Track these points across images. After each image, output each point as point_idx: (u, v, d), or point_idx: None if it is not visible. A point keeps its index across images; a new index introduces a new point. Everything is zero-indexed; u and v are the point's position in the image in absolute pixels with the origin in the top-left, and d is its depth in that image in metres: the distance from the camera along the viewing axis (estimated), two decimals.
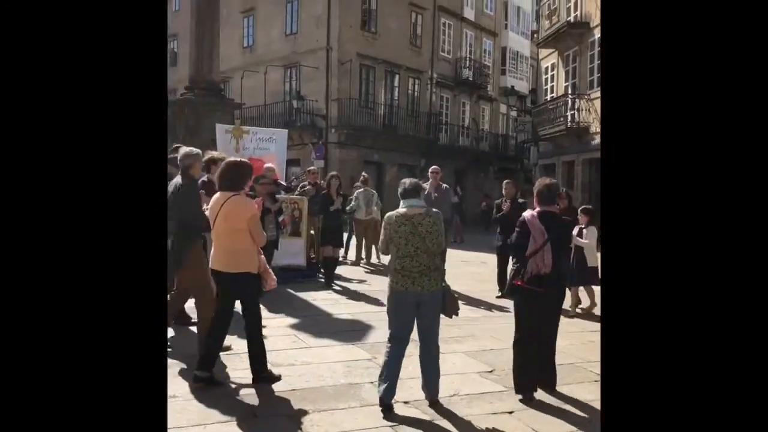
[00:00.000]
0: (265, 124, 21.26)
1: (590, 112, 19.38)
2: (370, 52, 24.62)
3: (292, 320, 6.37)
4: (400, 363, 4.02)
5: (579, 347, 5.79)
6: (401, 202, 4.08)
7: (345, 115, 23.62)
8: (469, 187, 27.89)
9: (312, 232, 9.92)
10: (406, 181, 4.18)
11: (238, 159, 4.55)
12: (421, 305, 4.01)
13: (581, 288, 7.61)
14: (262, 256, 4.45)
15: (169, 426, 3.51)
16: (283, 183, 9.74)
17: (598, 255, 7.31)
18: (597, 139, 17.77)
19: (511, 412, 4.04)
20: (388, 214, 4.11)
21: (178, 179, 4.91)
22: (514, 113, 33.98)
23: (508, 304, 8.07)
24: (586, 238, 7.40)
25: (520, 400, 4.21)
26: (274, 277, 4.52)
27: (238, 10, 26.90)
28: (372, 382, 4.47)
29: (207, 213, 4.56)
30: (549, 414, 4.05)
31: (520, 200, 8.66)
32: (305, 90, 24.35)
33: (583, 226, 7.46)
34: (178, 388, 4.18)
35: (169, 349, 4.97)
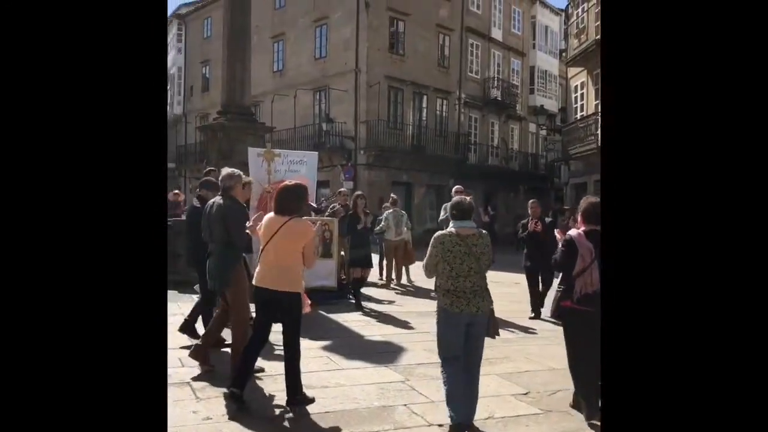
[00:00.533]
0: (295, 147, 21.49)
1: None
2: (398, 74, 24.80)
3: (324, 342, 6.37)
4: (460, 381, 3.98)
5: None
6: (451, 223, 4.11)
7: (374, 137, 23.77)
8: (500, 207, 27.68)
9: (342, 253, 9.94)
10: (463, 201, 4.20)
11: (294, 182, 4.58)
12: (473, 326, 4.00)
13: None
14: None
15: None
16: (314, 205, 9.81)
17: None
18: None
19: None
20: (437, 234, 4.11)
21: (217, 199, 4.96)
22: (543, 132, 33.80)
23: (542, 325, 8.01)
24: None
25: (590, 425, 4.10)
26: (308, 300, 4.54)
27: (268, 35, 27.39)
28: (405, 405, 4.44)
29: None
30: None
31: (547, 219, 8.72)
32: (334, 112, 24.61)
33: None
34: (213, 409, 4.20)
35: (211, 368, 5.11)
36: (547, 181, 33.30)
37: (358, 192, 10.35)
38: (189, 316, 6.19)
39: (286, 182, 4.61)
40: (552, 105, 33.54)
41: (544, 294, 8.69)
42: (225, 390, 4.52)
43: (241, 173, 5.18)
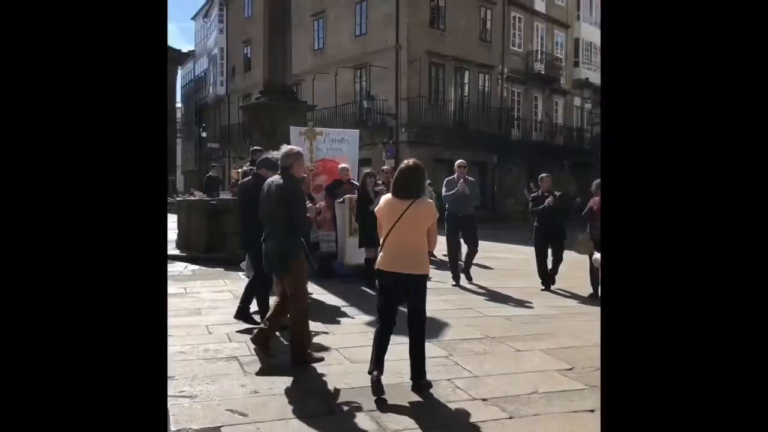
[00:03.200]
0: (337, 125, 21.57)
1: None
2: (439, 50, 24.56)
3: (368, 317, 6.42)
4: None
5: None
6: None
7: (415, 114, 23.65)
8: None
9: None
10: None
11: (412, 162, 4.33)
12: None
13: None
14: None
15: (251, 420, 3.63)
16: (356, 183, 9.85)
17: None
18: None
19: (592, 411, 3.93)
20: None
21: (276, 178, 4.79)
22: (588, 106, 33.06)
23: (587, 302, 7.92)
24: None
25: None
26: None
27: (308, 13, 27.39)
28: (449, 379, 4.46)
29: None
30: None
31: (557, 193, 8.89)
32: (375, 90, 24.55)
33: None
34: (258, 383, 4.30)
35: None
36: (593, 155, 32.63)
37: (367, 170, 9.85)
38: (242, 301, 6.10)
39: (405, 162, 4.37)
40: (597, 78, 32.70)
41: (555, 269, 8.85)
42: (273, 362, 4.63)
43: (300, 150, 5.00)
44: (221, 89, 37.30)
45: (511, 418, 3.80)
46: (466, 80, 26.13)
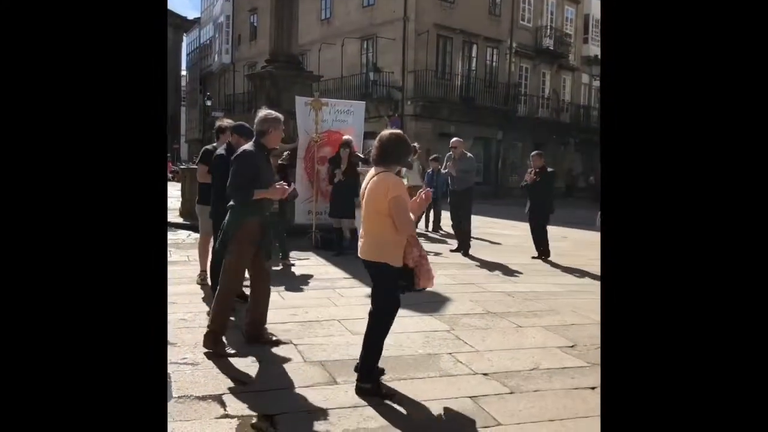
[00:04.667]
0: (342, 97, 21.40)
1: None
2: (447, 22, 24.27)
3: (368, 289, 6.40)
4: None
5: None
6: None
7: (421, 87, 23.47)
8: (549, 160, 27.21)
9: None
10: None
11: (395, 131, 3.78)
12: None
13: None
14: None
15: (252, 389, 3.65)
16: (361, 155, 9.79)
17: None
18: None
19: (593, 388, 3.94)
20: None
21: (248, 146, 4.35)
22: (596, 83, 32.77)
23: (589, 280, 7.94)
24: None
25: None
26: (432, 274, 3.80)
27: None
28: (450, 353, 4.47)
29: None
30: None
31: (549, 169, 9.59)
32: (382, 62, 24.34)
33: None
34: (260, 352, 4.31)
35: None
36: (599, 134, 32.48)
37: (346, 136, 9.19)
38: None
39: (386, 131, 3.78)
40: None
41: (542, 238, 9.44)
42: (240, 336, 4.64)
43: (279, 116, 4.43)
44: (227, 57, 37.01)
45: (512, 393, 3.81)
46: (474, 54, 25.87)
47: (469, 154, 9.95)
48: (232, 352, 4.25)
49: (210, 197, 5.75)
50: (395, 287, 3.72)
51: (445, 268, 8.12)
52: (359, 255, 3.74)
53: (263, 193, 4.29)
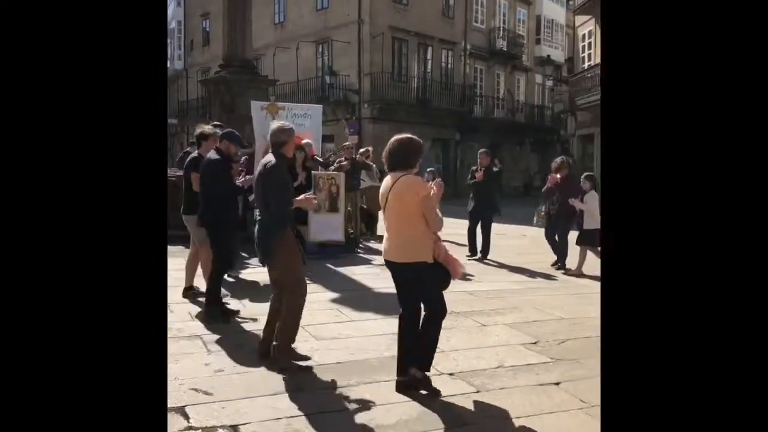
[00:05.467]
0: (299, 101, 21.25)
1: None
2: (402, 25, 24.36)
3: (334, 294, 6.39)
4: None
5: None
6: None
7: (378, 90, 23.49)
8: (506, 160, 27.52)
9: (350, 208, 9.91)
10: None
11: (408, 135, 3.86)
12: None
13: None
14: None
15: (216, 399, 3.58)
16: (320, 159, 9.74)
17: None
18: None
19: (558, 383, 3.99)
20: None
21: (269, 157, 4.32)
22: (549, 83, 33.36)
23: (549, 276, 8.06)
24: (587, 202, 8.09)
25: None
26: (462, 264, 4.03)
27: None
28: None
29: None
30: (596, 385, 3.98)
31: (495, 168, 9.63)
32: (337, 65, 24.27)
33: (586, 192, 8.22)
34: (224, 362, 4.23)
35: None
36: (554, 133, 33.02)
37: (305, 140, 8.92)
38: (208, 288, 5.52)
39: (398, 135, 3.87)
40: (558, 55, 33.01)
41: (485, 237, 9.35)
42: (231, 344, 4.56)
43: (292, 126, 4.55)
44: (179, 63, 36.38)
45: (477, 392, 3.83)
46: (429, 56, 26.02)
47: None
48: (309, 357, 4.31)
49: (196, 206, 5.58)
50: (438, 283, 3.84)
51: None
52: (390, 259, 3.77)
53: (299, 203, 4.38)
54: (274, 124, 4.52)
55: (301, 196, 4.51)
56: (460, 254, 9.85)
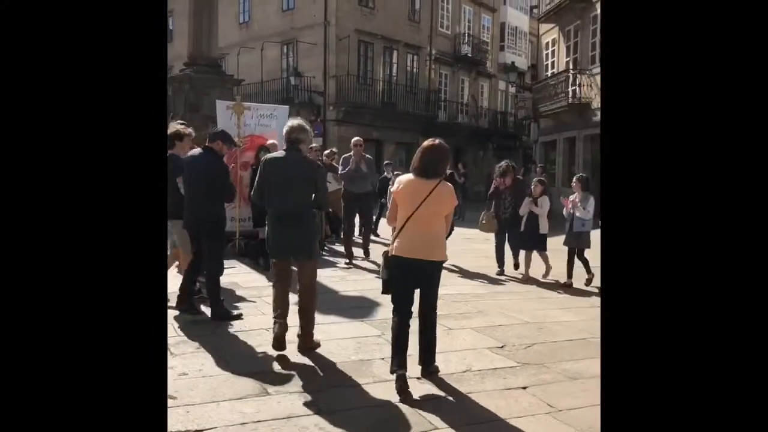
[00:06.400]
0: (263, 101, 20.94)
1: (591, 88, 19.24)
2: (368, 28, 24.36)
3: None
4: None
5: (590, 322, 5.77)
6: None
7: (343, 92, 23.43)
8: (469, 165, 27.74)
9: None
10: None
11: (437, 141, 4.06)
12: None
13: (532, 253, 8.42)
14: None
15: (181, 403, 3.49)
16: None
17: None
18: (598, 116, 17.62)
19: (525, 387, 4.00)
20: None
21: (279, 153, 4.51)
22: (513, 90, 33.75)
23: (511, 281, 8.11)
24: (541, 207, 8.20)
25: None
26: None
27: None
28: (382, 358, 4.43)
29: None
30: (563, 389, 4.02)
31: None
32: (303, 66, 24.14)
33: (537, 197, 8.26)
34: (188, 365, 4.14)
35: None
36: (516, 139, 33.44)
37: (270, 141, 8.76)
38: (181, 288, 5.56)
39: (430, 140, 4.08)
40: (522, 62, 33.42)
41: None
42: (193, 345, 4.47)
43: (309, 129, 4.69)
44: None
45: (445, 396, 3.82)
46: (394, 60, 26.07)
47: (368, 156, 9.74)
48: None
49: (180, 209, 5.41)
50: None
51: (367, 274, 8.11)
52: (417, 257, 3.91)
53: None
54: (291, 121, 4.56)
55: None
56: None
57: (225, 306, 5.53)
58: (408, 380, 3.81)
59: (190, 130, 5.93)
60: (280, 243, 4.50)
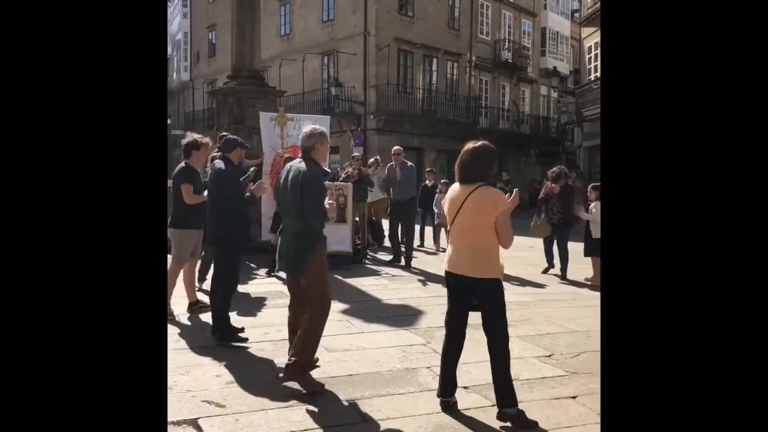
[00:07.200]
0: (304, 112, 21.25)
1: None
2: (407, 37, 24.42)
3: (343, 306, 6.34)
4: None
5: None
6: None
7: (383, 101, 23.51)
8: (511, 171, 27.46)
9: (357, 218, 9.88)
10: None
11: (481, 142, 3.73)
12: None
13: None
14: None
15: (229, 411, 3.53)
16: (328, 170, 9.71)
17: None
18: None
19: (574, 397, 3.93)
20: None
21: (296, 163, 4.13)
22: (555, 95, 33.32)
23: (560, 288, 7.99)
24: (594, 212, 8.18)
25: None
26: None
27: None
28: (428, 367, 4.41)
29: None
30: None
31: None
32: (343, 77, 24.32)
33: (592, 202, 8.34)
34: (236, 373, 4.19)
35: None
36: (559, 144, 32.97)
37: (282, 151, 8.81)
38: (213, 317, 5.22)
39: (471, 142, 3.71)
40: (564, 67, 32.97)
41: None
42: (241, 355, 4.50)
43: (324, 130, 4.28)
44: (185, 75, 36.53)
45: (493, 405, 3.75)
46: (434, 68, 26.06)
47: (409, 163, 9.93)
48: (322, 384, 3.98)
49: (190, 219, 5.50)
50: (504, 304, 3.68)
51: (414, 282, 8.08)
52: (459, 272, 3.57)
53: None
54: (306, 128, 4.22)
55: (331, 207, 4.24)
56: None
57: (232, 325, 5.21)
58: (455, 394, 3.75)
59: (207, 139, 5.90)
60: (279, 254, 4.22)
